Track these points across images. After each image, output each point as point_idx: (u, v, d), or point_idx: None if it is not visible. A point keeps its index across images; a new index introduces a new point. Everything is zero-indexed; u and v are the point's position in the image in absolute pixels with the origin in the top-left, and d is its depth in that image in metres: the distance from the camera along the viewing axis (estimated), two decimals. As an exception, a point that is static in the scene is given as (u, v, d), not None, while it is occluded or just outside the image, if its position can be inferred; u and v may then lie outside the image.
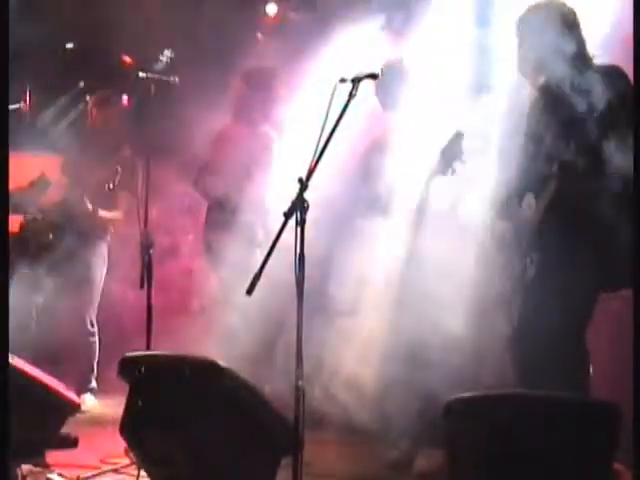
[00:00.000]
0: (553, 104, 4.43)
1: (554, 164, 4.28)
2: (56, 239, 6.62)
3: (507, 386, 4.65)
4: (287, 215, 3.97)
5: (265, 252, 3.99)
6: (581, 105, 4.20)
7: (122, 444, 4.86)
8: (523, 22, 4.64)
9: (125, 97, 7.82)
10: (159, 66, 8.60)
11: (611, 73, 4.31)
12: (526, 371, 4.43)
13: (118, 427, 4.26)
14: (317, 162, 4.06)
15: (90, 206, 6.47)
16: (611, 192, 4.11)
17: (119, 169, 6.23)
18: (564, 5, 4.57)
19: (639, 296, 3.64)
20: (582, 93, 4.25)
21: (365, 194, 5.68)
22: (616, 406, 3.31)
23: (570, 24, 4.48)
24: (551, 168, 4.30)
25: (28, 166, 7.13)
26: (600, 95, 4.14)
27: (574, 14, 4.54)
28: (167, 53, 8.71)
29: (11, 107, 7.09)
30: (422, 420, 4.84)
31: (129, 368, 4.29)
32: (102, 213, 6.62)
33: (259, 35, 8.64)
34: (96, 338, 6.85)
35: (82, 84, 9.75)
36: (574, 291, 4.23)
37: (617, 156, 4.03)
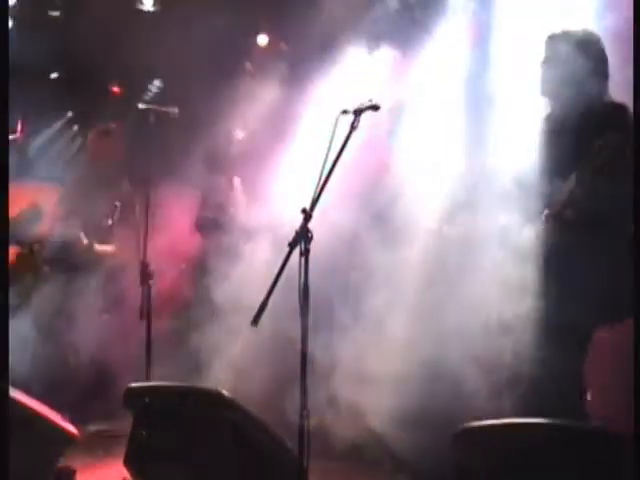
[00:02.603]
0: (563, 131, 4.50)
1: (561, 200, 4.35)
2: (52, 271, 6.60)
3: (505, 415, 4.68)
4: (291, 245, 4.01)
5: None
6: (587, 138, 4.28)
7: (120, 475, 4.84)
8: (555, 42, 4.64)
9: (113, 126, 7.79)
10: (148, 96, 8.67)
11: (615, 109, 4.39)
12: (526, 400, 4.45)
13: (122, 458, 4.26)
14: (320, 192, 4.11)
15: (86, 240, 6.45)
16: (615, 224, 4.19)
17: (118, 205, 6.23)
18: (598, 39, 4.60)
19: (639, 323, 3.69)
20: (590, 125, 4.33)
21: (373, 222, 5.74)
22: (621, 435, 3.34)
23: (599, 57, 4.53)
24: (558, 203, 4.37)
25: (20, 196, 7.11)
26: (604, 130, 4.22)
27: (604, 50, 4.57)
28: (157, 83, 8.77)
29: (8, 137, 7.12)
30: (425, 451, 4.86)
31: (134, 399, 4.30)
32: (98, 247, 6.59)
33: (248, 65, 8.70)
34: (91, 369, 6.81)
35: (70, 114, 9.79)
36: (574, 323, 4.26)
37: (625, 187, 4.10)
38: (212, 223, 6.82)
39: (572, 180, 4.22)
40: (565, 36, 4.59)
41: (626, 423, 3.62)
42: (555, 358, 4.23)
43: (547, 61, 4.65)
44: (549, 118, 4.68)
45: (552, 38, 4.66)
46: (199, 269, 6.85)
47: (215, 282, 6.17)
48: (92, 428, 6.69)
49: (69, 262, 6.57)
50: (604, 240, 4.21)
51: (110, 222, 6.25)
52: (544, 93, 4.68)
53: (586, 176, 4.15)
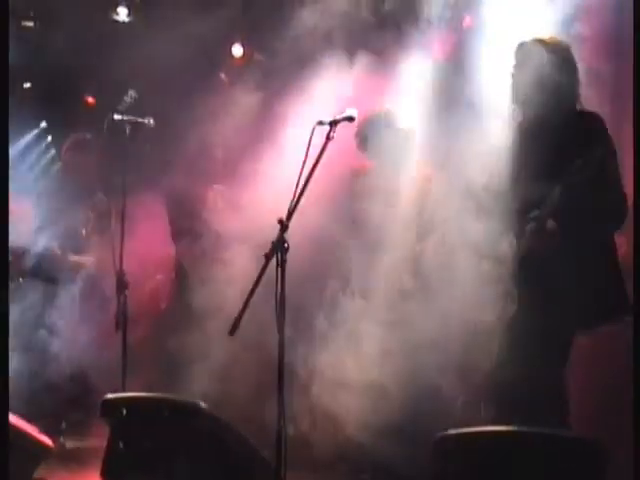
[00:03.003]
0: (535, 138, 4.54)
1: (534, 205, 4.37)
2: (26, 282, 6.57)
3: (482, 422, 4.71)
4: (268, 256, 4.03)
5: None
6: (561, 145, 4.32)
7: (94, 485, 4.83)
8: (524, 49, 4.68)
9: (88, 136, 7.74)
10: (123, 106, 8.63)
11: (590, 119, 4.44)
12: (504, 408, 4.48)
13: (98, 470, 4.24)
14: (297, 203, 4.13)
15: (59, 251, 6.43)
16: (590, 232, 4.23)
17: (92, 215, 6.21)
18: (567, 47, 4.64)
19: (639, 326, 3.73)
20: (564, 133, 4.38)
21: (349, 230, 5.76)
22: (600, 441, 3.36)
23: (569, 64, 4.57)
24: (531, 208, 4.39)
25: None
26: (581, 137, 4.27)
27: (573, 59, 4.61)
28: (131, 93, 8.73)
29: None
30: (404, 459, 4.88)
31: (110, 409, 4.28)
32: (73, 257, 6.57)
33: (223, 76, 8.70)
34: (66, 380, 6.78)
35: (44, 124, 9.74)
36: (553, 328, 4.29)
37: (595, 199, 4.14)
38: (187, 231, 6.79)
39: (555, 192, 4.25)
40: (535, 43, 4.64)
41: (608, 427, 3.66)
42: (536, 364, 4.26)
43: (517, 68, 4.69)
44: (521, 126, 4.72)
45: (522, 45, 4.71)
46: (178, 277, 6.83)
47: (195, 290, 6.17)
48: (69, 445, 6.68)
49: (44, 273, 6.55)
50: (586, 250, 4.27)
51: (84, 232, 6.22)
52: (516, 101, 4.72)
53: (569, 189, 4.19)
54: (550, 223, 4.28)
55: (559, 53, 4.55)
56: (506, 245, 4.49)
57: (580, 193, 4.12)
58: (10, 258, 6.57)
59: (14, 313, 6.42)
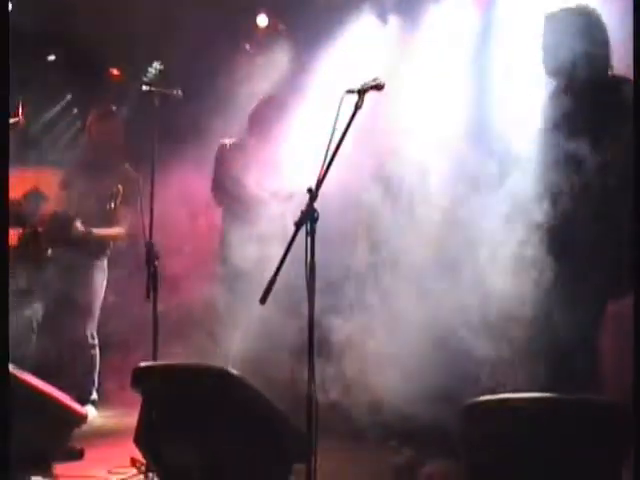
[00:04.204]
0: (571, 105, 4.51)
1: (569, 173, 4.36)
2: (54, 253, 6.61)
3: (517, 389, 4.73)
4: (298, 225, 4.03)
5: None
6: (596, 110, 4.29)
7: (128, 454, 4.89)
8: (553, 19, 4.65)
9: (114, 108, 7.75)
10: (148, 78, 8.65)
11: (625, 84, 4.40)
12: (539, 375, 4.49)
13: (129, 437, 4.30)
14: (326, 172, 4.12)
15: (82, 228, 6.46)
16: (622, 203, 4.21)
17: (120, 188, 6.20)
18: (596, 14, 4.62)
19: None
20: (599, 98, 4.35)
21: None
22: (633, 407, 3.36)
23: (599, 30, 4.55)
24: (566, 176, 4.38)
25: (21, 180, 7.12)
26: (614, 103, 4.23)
27: (603, 23, 4.59)
28: (156, 65, 8.73)
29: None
30: (427, 426, 4.91)
31: (142, 378, 4.32)
32: (99, 231, 6.59)
33: (247, 46, 8.68)
34: (97, 350, 6.85)
35: (69, 96, 9.76)
36: (588, 296, 4.30)
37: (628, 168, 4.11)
38: (225, 193, 6.77)
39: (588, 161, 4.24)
40: (563, 12, 4.61)
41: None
42: (570, 332, 4.27)
43: (546, 38, 4.66)
44: (554, 93, 4.68)
45: (550, 15, 4.68)
46: (220, 243, 6.82)
47: (232, 253, 6.17)
48: (101, 414, 6.78)
49: (71, 245, 6.59)
50: (618, 216, 4.26)
51: (113, 205, 6.23)
52: (548, 71, 4.68)
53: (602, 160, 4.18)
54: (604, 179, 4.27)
55: (588, 21, 4.52)
56: (541, 212, 4.48)
57: (612, 163, 4.10)
58: (40, 229, 6.65)
59: (43, 284, 6.52)
